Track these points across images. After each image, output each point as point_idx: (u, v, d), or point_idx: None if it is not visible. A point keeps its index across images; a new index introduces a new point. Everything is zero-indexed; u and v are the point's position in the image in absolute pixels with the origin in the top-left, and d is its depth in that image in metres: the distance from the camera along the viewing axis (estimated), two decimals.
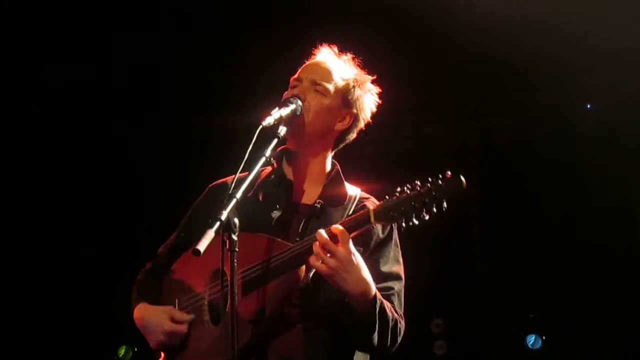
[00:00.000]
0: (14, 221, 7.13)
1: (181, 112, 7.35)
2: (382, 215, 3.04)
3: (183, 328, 3.31)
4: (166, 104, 7.25)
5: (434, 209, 2.96)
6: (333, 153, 3.54)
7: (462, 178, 2.97)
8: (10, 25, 6.42)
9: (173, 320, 3.33)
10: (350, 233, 3.04)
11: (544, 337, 7.22)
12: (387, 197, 3.07)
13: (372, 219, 3.06)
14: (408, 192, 3.01)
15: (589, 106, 7.15)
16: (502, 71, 6.65)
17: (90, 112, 7.21)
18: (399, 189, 3.03)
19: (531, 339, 7.23)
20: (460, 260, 7.31)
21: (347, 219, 3.12)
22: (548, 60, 6.33)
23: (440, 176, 2.98)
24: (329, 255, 3.00)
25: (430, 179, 2.99)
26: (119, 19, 6.59)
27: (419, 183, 3.01)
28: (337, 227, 3.03)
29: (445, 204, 2.95)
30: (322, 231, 3.03)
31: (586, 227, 6.96)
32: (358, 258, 3.05)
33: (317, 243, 3.01)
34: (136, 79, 7.00)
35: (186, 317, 3.32)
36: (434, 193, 2.95)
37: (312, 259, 3.02)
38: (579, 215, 7.04)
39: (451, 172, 2.98)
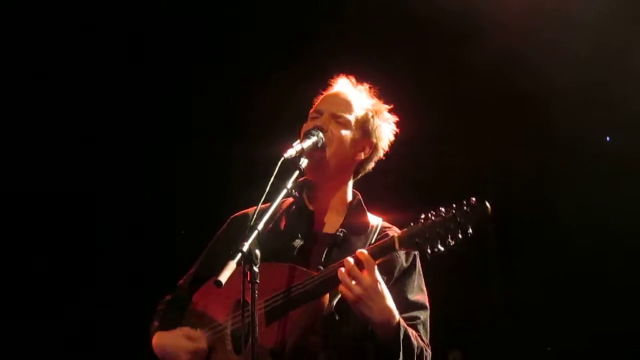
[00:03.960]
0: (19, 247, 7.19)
1: (199, 141, 7.38)
2: (407, 241, 3.03)
3: (203, 345, 3.31)
4: (185, 133, 7.30)
5: (459, 235, 2.93)
6: (353, 182, 3.56)
7: (487, 204, 2.94)
8: None
9: (190, 339, 3.33)
10: (374, 260, 3.03)
11: None
12: (411, 223, 3.05)
13: (396, 246, 3.05)
14: (433, 218, 2.99)
15: (608, 139, 7.15)
16: (522, 103, 6.66)
17: (108, 140, 7.27)
18: (423, 216, 3.01)
19: None
20: (478, 291, 7.30)
21: (371, 246, 3.10)
22: (568, 94, 6.34)
23: (465, 202, 2.96)
24: (354, 282, 2.99)
25: (454, 205, 2.97)
26: (139, 48, 6.67)
27: (443, 209, 2.99)
28: (363, 253, 3.02)
29: (470, 230, 2.93)
30: (349, 258, 3.02)
31: (604, 259, 6.94)
32: (383, 286, 3.04)
33: (343, 269, 3.00)
34: (157, 106, 7.07)
35: (202, 334, 3.33)
36: (459, 219, 2.93)
37: (340, 286, 3.00)
38: (597, 248, 7.01)
39: (476, 197, 2.97)
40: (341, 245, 3.33)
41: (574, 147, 7.14)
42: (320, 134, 3.32)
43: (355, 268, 2.99)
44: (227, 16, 6.53)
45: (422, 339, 3.27)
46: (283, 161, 3.11)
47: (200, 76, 6.78)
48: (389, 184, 7.11)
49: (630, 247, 6.90)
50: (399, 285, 3.32)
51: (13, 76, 6.59)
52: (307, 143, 3.25)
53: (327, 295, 3.12)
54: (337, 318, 3.14)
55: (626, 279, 6.84)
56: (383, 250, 3.08)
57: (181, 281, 3.67)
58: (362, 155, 3.50)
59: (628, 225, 6.86)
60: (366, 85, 3.58)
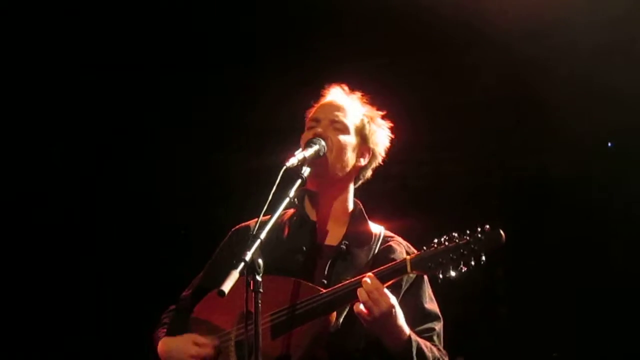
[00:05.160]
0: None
1: (197, 150, 7.36)
2: (419, 265, 3.05)
3: (209, 351, 3.29)
4: (182, 142, 7.28)
5: (472, 262, 2.95)
6: (353, 191, 3.55)
7: (501, 232, 2.96)
8: None
9: (197, 344, 3.31)
10: (386, 281, 3.05)
11: None
12: (424, 247, 3.07)
13: (408, 269, 3.07)
14: (446, 243, 3.01)
15: (610, 144, 7.12)
16: (523, 108, 6.65)
17: (106, 149, 7.23)
18: (436, 240, 3.04)
19: None
20: (483, 298, 7.26)
21: (383, 268, 3.11)
22: (570, 98, 6.32)
23: (479, 229, 2.97)
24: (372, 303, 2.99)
25: (468, 232, 2.99)
26: (137, 58, 6.67)
27: (456, 235, 3.01)
28: (372, 277, 3.03)
29: (483, 258, 2.94)
30: (367, 279, 3.03)
31: (609, 266, 6.90)
32: (397, 308, 3.06)
33: (363, 291, 3.00)
34: (154, 116, 7.06)
35: (210, 340, 3.31)
36: (473, 246, 2.96)
37: (357, 306, 3.02)
38: (602, 254, 6.97)
39: (490, 225, 2.98)
40: (344, 258, 3.35)
41: (577, 151, 7.11)
42: (322, 142, 3.33)
43: (375, 292, 3.00)
44: (226, 23, 6.52)
45: (438, 349, 3.29)
46: (285, 170, 3.10)
47: (199, 83, 6.77)
48: (389, 191, 7.08)
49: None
50: (410, 297, 3.34)
51: (12, 76, 6.57)
52: (309, 151, 3.26)
53: (334, 313, 3.12)
54: (342, 334, 3.14)
55: (635, 286, 6.79)
56: (395, 272, 3.09)
57: (184, 292, 3.66)
58: (362, 162, 3.52)
59: (635, 230, 6.81)
60: (358, 94, 3.60)
